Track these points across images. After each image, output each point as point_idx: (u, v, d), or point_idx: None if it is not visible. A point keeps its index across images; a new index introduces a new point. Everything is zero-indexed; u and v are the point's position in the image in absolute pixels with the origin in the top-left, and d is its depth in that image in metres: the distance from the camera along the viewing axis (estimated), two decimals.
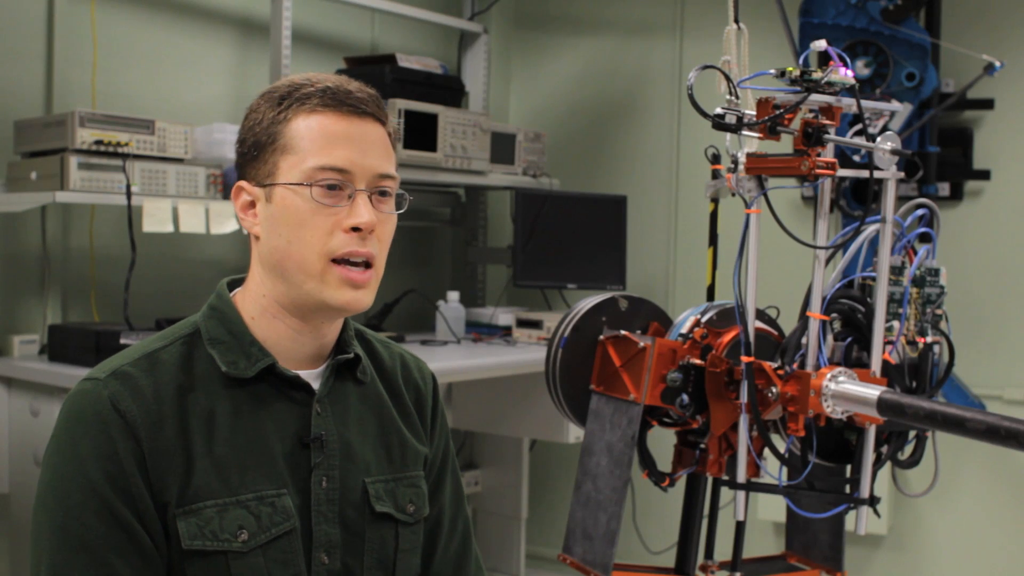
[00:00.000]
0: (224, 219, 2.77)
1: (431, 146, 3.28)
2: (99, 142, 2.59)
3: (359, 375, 1.36)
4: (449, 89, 3.48)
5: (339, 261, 1.25)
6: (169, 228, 2.69)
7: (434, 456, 1.45)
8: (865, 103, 1.70)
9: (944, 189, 3.35)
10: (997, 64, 3.05)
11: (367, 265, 1.26)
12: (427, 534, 1.43)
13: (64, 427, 1.21)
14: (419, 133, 3.24)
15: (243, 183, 1.30)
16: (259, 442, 1.25)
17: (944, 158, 3.31)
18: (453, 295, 3.49)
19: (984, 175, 3.36)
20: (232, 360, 1.26)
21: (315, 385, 1.30)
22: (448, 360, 3.07)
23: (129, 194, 2.61)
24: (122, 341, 2.47)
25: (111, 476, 1.17)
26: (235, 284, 1.36)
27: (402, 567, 1.35)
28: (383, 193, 1.29)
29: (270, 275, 1.28)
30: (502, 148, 3.58)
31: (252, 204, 1.29)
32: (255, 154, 1.28)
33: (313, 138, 1.25)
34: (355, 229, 1.24)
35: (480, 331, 3.53)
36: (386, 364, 1.43)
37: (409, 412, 1.42)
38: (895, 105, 1.85)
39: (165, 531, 1.20)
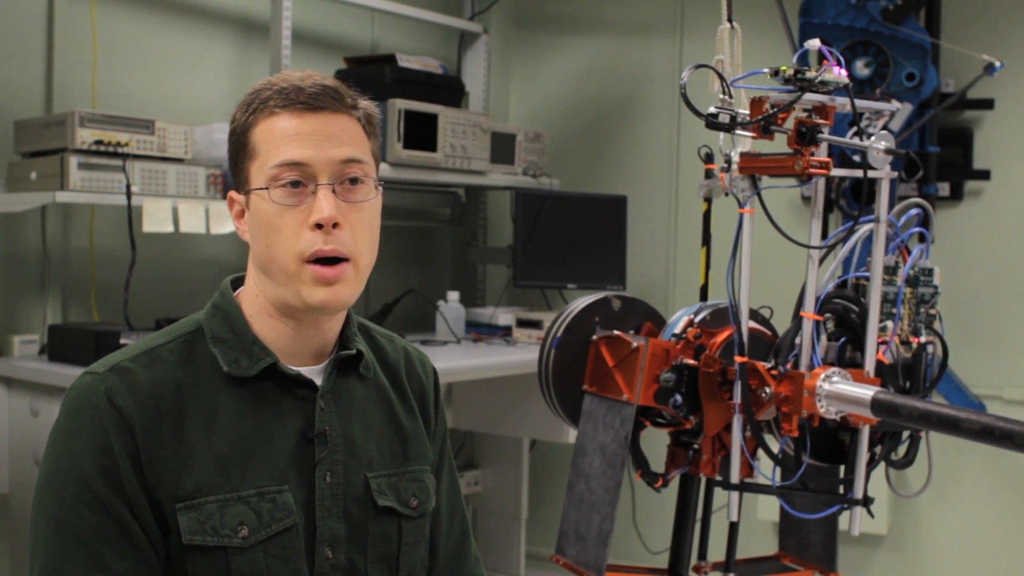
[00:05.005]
0: (224, 219, 2.78)
1: (431, 146, 3.28)
2: (99, 142, 2.59)
3: (362, 371, 1.36)
4: (449, 89, 3.48)
5: (312, 260, 1.24)
6: (169, 228, 2.70)
7: (433, 450, 1.46)
8: (861, 102, 1.70)
9: (944, 189, 3.35)
10: (997, 64, 3.05)
11: (338, 260, 1.24)
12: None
13: (62, 420, 1.23)
14: (419, 133, 3.24)
15: (232, 192, 1.32)
16: (262, 439, 1.25)
17: (944, 158, 3.31)
18: (453, 295, 3.50)
19: (984, 175, 3.35)
20: (234, 359, 1.27)
21: (318, 381, 1.31)
22: (448, 360, 3.07)
23: (129, 194, 2.62)
24: (122, 341, 2.47)
25: (105, 470, 1.18)
26: (239, 281, 1.36)
27: (405, 561, 1.35)
28: (354, 181, 1.26)
29: (261, 277, 1.29)
30: (502, 148, 3.58)
31: (242, 212, 1.31)
32: (233, 163, 1.30)
33: (270, 140, 1.25)
34: (318, 226, 1.23)
35: (480, 331, 3.53)
36: (390, 358, 1.43)
37: (412, 407, 1.43)
38: (892, 105, 1.85)
39: (165, 525, 1.20)
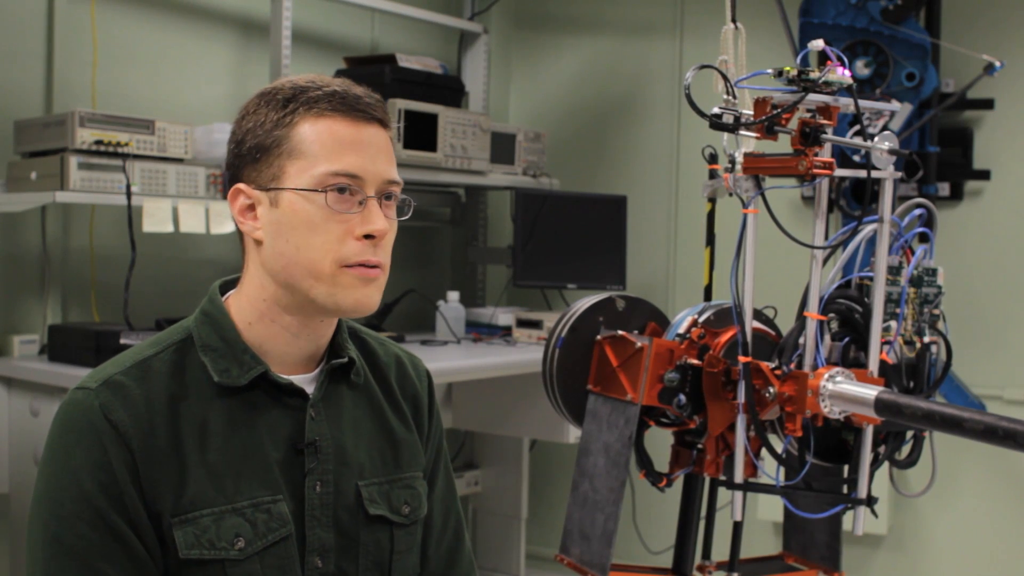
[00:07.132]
0: (224, 219, 2.77)
1: (431, 146, 3.28)
2: (99, 142, 2.59)
3: (353, 377, 1.35)
4: (449, 89, 3.48)
5: (350, 267, 1.24)
6: (169, 228, 2.69)
7: (427, 455, 1.45)
8: (863, 103, 1.70)
9: (944, 189, 3.35)
10: (997, 64, 3.05)
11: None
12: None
13: (57, 437, 1.21)
14: (419, 133, 3.24)
15: (242, 186, 1.28)
16: (253, 449, 1.24)
17: (944, 158, 3.31)
18: (453, 295, 3.49)
19: (984, 175, 3.36)
20: (224, 368, 1.25)
21: (308, 389, 1.30)
22: (448, 360, 3.07)
23: (129, 194, 2.62)
24: (122, 341, 2.47)
25: (104, 485, 1.17)
26: (228, 285, 1.34)
27: (398, 569, 1.35)
28: (388, 197, 1.28)
29: (272, 280, 1.26)
30: (502, 148, 3.58)
31: (252, 207, 1.27)
32: (257, 156, 1.26)
33: (323, 143, 1.23)
34: (367, 236, 1.23)
35: (480, 331, 3.53)
36: (381, 363, 1.42)
37: (404, 412, 1.42)
38: (893, 105, 1.85)
39: (160, 540, 1.19)
